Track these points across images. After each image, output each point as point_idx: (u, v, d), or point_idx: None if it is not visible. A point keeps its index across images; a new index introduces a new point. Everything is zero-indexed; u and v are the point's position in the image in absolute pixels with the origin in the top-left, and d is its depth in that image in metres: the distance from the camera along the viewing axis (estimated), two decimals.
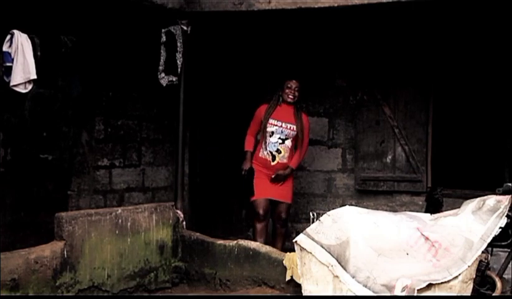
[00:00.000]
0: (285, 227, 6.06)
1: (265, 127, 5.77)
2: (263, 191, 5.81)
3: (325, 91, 7.08)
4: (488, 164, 7.45)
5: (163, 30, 6.00)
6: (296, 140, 5.86)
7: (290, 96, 5.82)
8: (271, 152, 5.79)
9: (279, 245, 5.90)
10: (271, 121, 5.77)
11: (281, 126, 5.77)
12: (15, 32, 4.88)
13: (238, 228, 7.48)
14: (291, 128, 5.79)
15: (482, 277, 4.27)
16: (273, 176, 5.79)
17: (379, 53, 6.65)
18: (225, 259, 5.61)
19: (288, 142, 5.81)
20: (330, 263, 4.53)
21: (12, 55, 4.86)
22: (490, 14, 5.85)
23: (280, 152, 5.76)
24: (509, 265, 4.45)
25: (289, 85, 5.85)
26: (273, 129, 5.77)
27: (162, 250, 5.67)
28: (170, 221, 5.77)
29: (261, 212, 5.79)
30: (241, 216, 7.67)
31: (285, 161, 5.83)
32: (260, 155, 5.84)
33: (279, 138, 5.77)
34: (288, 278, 5.32)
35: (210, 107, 7.43)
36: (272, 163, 5.80)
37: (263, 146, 5.81)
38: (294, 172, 6.11)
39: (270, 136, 5.77)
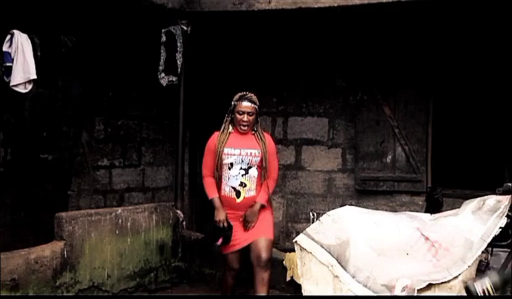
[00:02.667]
0: (268, 269, 4.63)
1: (221, 159, 4.55)
2: (234, 241, 4.64)
3: (325, 91, 7.08)
4: (487, 164, 7.44)
5: (163, 30, 6.00)
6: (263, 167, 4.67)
7: (243, 126, 4.59)
8: (234, 188, 4.56)
9: (263, 294, 4.66)
10: (226, 150, 4.54)
11: (241, 154, 4.56)
12: (15, 32, 4.88)
13: None
14: (254, 154, 4.58)
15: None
16: (241, 220, 4.63)
17: (379, 54, 6.65)
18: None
19: (253, 171, 4.61)
20: (330, 263, 4.53)
21: (12, 55, 4.86)
22: (490, 14, 5.85)
23: (245, 185, 4.57)
24: (509, 265, 4.45)
25: (240, 110, 4.60)
26: (231, 159, 4.55)
27: (162, 250, 5.68)
28: (170, 221, 5.77)
29: (235, 266, 4.72)
30: None
31: (254, 193, 4.62)
32: (222, 194, 4.60)
33: (241, 168, 4.55)
34: (288, 278, 5.33)
35: (210, 107, 7.43)
36: (238, 200, 4.58)
37: (224, 182, 4.60)
38: (271, 200, 4.95)
39: (229, 169, 4.56)
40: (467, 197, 4.96)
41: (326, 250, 4.61)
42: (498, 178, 5.92)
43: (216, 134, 4.67)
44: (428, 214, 4.84)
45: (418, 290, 4.05)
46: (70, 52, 5.45)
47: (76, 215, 4.96)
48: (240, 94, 4.71)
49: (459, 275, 4.09)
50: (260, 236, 4.57)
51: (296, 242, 4.84)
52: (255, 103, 4.63)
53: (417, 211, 5.64)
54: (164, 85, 6.07)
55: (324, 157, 7.13)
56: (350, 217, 4.69)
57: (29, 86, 4.98)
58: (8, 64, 4.88)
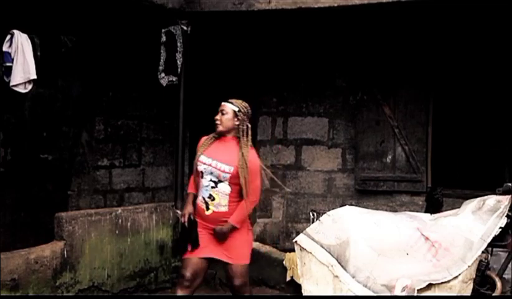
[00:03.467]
0: (244, 292, 4.24)
1: (196, 165, 4.25)
2: (199, 247, 4.18)
3: (325, 91, 7.08)
4: (487, 164, 7.44)
5: (163, 30, 6.00)
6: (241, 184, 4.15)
7: (216, 124, 4.27)
8: (204, 199, 4.17)
9: None
10: (201, 158, 4.21)
11: (210, 165, 4.14)
12: (15, 32, 4.88)
13: None
14: (223, 169, 4.11)
15: (482, 277, 4.27)
16: (210, 234, 4.19)
17: (379, 53, 6.64)
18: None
19: (224, 187, 4.12)
20: (330, 263, 4.53)
21: (12, 55, 4.86)
22: (490, 14, 5.85)
23: (213, 199, 4.13)
24: (509, 265, 4.45)
25: (218, 110, 4.34)
26: (202, 168, 4.19)
27: (162, 250, 5.68)
28: (170, 221, 5.77)
29: (186, 274, 4.13)
30: None
31: (224, 210, 4.13)
32: (197, 201, 4.26)
33: (211, 180, 4.14)
34: (288, 278, 5.33)
35: (210, 107, 7.42)
36: (206, 212, 4.16)
37: (199, 190, 4.25)
38: (249, 223, 4.38)
39: (201, 178, 4.19)
40: (467, 197, 4.96)
41: (326, 250, 4.61)
42: (498, 178, 5.92)
43: (203, 138, 4.36)
44: (428, 214, 4.84)
45: (418, 290, 4.06)
46: (70, 52, 5.44)
47: (76, 215, 4.96)
48: None
49: (459, 275, 4.10)
50: (235, 261, 4.16)
51: (296, 242, 4.85)
52: (234, 105, 4.26)
53: (417, 211, 5.64)
54: (164, 85, 6.07)
55: (324, 157, 7.12)
56: (350, 217, 4.69)
57: (29, 86, 4.98)
58: (8, 64, 4.88)
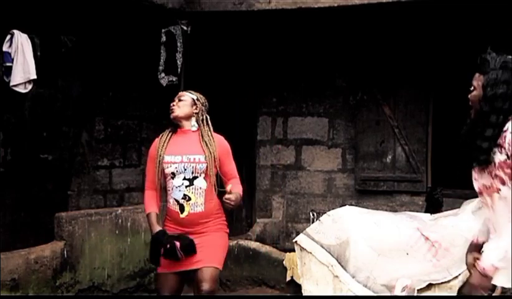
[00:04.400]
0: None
1: (162, 169, 3.79)
2: (172, 260, 3.68)
3: (325, 91, 7.08)
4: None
5: (163, 30, 6.00)
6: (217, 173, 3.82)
7: (171, 110, 3.95)
8: (177, 201, 3.72)
9: None
10: (167, 158, 3.77)
11: (182, 161, 3.73)
12: (15, 32, 4.88)
13: (238, 228, 7.48)
14: (198, 160, 3.73)
15: None
16: (226, 196, 3.67)
17: (379, 53, 6.65)
18: (224, 259, 5.60)
19: (200, 182, 3.73)
20: (330, 263, 4.53)
21: (12, 55, 4.87)
22: (490, 14, 5.85)
23: (189, 199, 3.71)
24: None
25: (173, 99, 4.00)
26: (172, 168, 3.74)
27: None
28: None
29: (165, 294, 3.77)
30: (241, 216, 7.67)
31: (201, 209, 3.72)
32: (168, 206, 3.83)
33: (185, 179, 3.72)
34: (288, 278, 5.33)
35: (210, 107, 7.42)
36: (181, 215, 3.72)
37: (169, 193, 3.82)
38: (226, 226, 3.91)
39: (172, 179, 3.76)
40: (467, 197, 4.95)
41: (326, 250, 4.61)
42: None
43: (156, 140, 3.92)
44: (428, 214, 4.84)
45: (418, 290, 4.06)
46: (70, 52, 5.45)
47: (76, 215, 4.96)
48: None
49: (459, 275, 4.09)
50: (205, 264, 3.67)
51: (296, 242, 4.85)
52: (192, 94, 4.01)
53: (417, 211, 5.64)
54: (164, 85, 6.07)
55: (324, 157, 7.12)
56: (350, 217, 4.69)
57: (29, 86, 4.98)
58: (8, 64, 4.88)
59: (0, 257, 4.23)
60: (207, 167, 3.73)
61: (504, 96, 2.69)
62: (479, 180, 2.89)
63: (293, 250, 5.04)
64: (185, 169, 3.74)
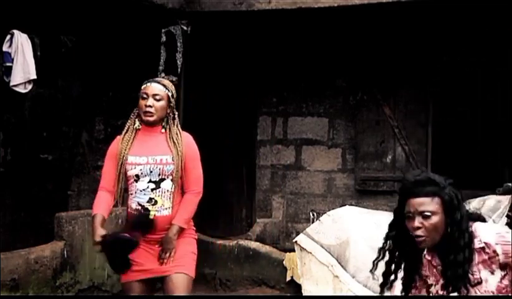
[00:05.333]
0: None
1: (125, 170, 3.40)
2: (138, 265, 3.32)
3: (325, 91, 7.07)
4: (487, 164, 7.44)
5: (163, 30, 6.00)
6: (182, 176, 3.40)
7: (147, 115, 3.39)
8: (141, 205, 3.35)
9: None
10: (131, 159, 3.38)
11: (148, 163, 3.36)
12: (15, 32, 4.88)
13: (238, 228, 7.48)
14: (165, 161, 3.36)
15: None
16: (157, 246, 3.33)
17: (379, 53, 6.64)
18: (225, 259, 5.61)
19: (167, 184, 3.35)
20: (330, 263, 4.54)
21: (12, 55, 4.86)
22: (490, 14, 5.85)
23: (156, 203, 3.34)
24: None
25: (144, 93, 3.47)
26: (137, 170, 3.36)
27: None
28: None
29: None
30: (241, 216, 7.67)
31: (168, 213, 3.35)
32: (129, 211, 3.47)
33: (151, 181, 3.34)
34: (288, 278, 5.33)
35: (210, 107, 7.44)
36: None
37: (130, 197, 3.44)
38: (192, 226, 3.50)
39: (136, 181, 3.37)
40: (467, 197, 4.95)
41: (326, 250, 4.62)
42: (498, 178, 5.92)
43: (118, 138, 3.55)
44: None
45: None
46: (70, 51, 5.45)
47: (76, 215, 4.96)
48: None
49: None
50: (176, 271, 3.33)
51: (296, 242, 4.86)
52: (166, 88, 3.46)
53: None
54: None
55: (324, 157, 7.12)
56: (350, 217, 4.70)
57: (29, 86, 4.98)
58: (8, 64, 4.88)
59: (0, 257, 4.23)
60: (174, 168, 3.35)
61: (465, 215, 2.32)
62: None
63: (293, 250, 5.05)
64: (151, 171, 3.35)
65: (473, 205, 4.56)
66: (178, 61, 6.01)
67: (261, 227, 6.76)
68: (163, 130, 3.41)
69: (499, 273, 2.27)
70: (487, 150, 7.75)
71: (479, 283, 2.27)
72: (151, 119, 3.38)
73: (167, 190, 3.36)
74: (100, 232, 3.22)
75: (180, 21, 5.99)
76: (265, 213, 7.27)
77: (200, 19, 6.08)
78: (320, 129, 7.13)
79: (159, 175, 3.35)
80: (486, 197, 4.62)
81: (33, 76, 4.92)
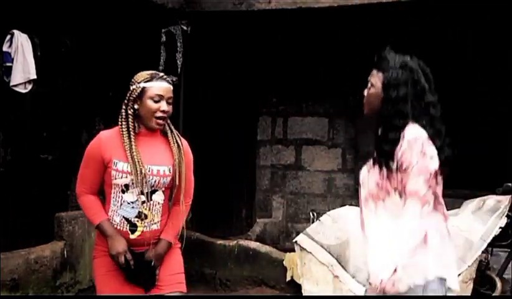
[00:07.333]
0: None
1: (111, 177, 2.87)
2: (126, 287, 2.89)
3: (325, 91, 7.08)
4: (487, 164, 7.44)
5: (163, 30, 6.00)
6: (174, 186, 2.96)
7: (160, 122, 2.92)
8: (128, 220, 2.87)
9: None
10: (121, 166, 2.86)
11: (142, 173, 2.84)
12: (15, 32, 4.88)
13: (238, 228, 7.49)
14: (163, 173, 2.90)
15: (482, 277, 4.27)
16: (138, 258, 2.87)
17: (379, 53, 6.64)
18: (225, 259, 5.61)
19: (159, 197, 2.92)
20: (330, 263, 4.54)
21: (12, 55, 4.86)
22: (490, 13, 5.85)
23: (145, 217, 2.88)
24: (509, 265, 4.45)
25: (156, 95, 2.92)
26: (127, 180, 2.85)
27: None
28: None
29: None
30: (241, 216, 7.67)
31: (156, 227, 2.92)
32: (113, 223, 2.91)
33: (142, 193, 2.85)
34: (288, 278, 5.33)
35: (210, 107, 7.44)
36: (131, 236, 2.87)
37: (113, 209, 2.90)
38: (180, 239, 3.10)
39: (123, 192, 2.87)
40: (467, 197, 4.96)
41: (326, 250, 4.62)
42: (498, 178, 5.92)
43: (103, 135, 3.08)
44: None
45: None
46: (70, 51, 5.44)
47: (76, 215, 4.96)
48: (148, 72, 3.06)
49: (459, 275, 4.09)
50: (173, 289, 2.95)
51: (296, 242, 4.85)
52: (171, 85, 3.02)
53: None
54: None
55: (324, 157, 7.13)
56: (350, 217, 4.69)
57: (29, 86, 4.98)
58: (8, 64, 4.88)
59: (0, 257, 4.23)
60: (171, 180, 2.93)
61: (405, 98, 2.55)
62: (369, 182, 2.64)
63: (293, 250, 5.05)
64: (144, 183, 2.84)
65: (473, 205, 4.57)
66: (178, 61, 6.01)
67: (261, 227, 6.77)
68: (162, 133, 2.99)
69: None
70: (487, 150, 7.76)
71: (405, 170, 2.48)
72: (163, 127, 2.95)
73: (158, 203, 2.92)
74: (121, 241, 2.84)
75: (180, 21, 6.00)
76: (265, 213, 7.27)
77: (200, 19, 6.08)
78: (320, 129, 7.13)
79: (152, 186, 2.88)
80: (486, 197, 4.61)
81: (33, 76, 4.92)
